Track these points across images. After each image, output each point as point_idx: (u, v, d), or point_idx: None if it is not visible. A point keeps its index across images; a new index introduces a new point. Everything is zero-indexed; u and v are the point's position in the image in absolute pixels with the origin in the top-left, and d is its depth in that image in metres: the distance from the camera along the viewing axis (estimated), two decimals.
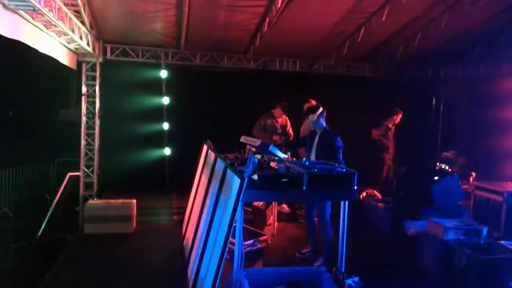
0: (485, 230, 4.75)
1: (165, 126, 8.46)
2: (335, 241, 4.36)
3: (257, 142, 4.63)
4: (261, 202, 6.65)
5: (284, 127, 7.39)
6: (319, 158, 4.86)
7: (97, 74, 7.16)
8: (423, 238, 5.01)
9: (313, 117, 5.10)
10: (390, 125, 8.05)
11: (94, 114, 7.17)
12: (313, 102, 6.71)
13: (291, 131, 7.47)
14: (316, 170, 3.84)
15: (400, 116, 8.09)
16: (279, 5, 5.47)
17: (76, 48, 6.40)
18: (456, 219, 4.95)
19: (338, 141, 4.94)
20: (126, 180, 7.94)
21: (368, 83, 8.85)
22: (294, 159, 4.80)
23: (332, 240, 4.87)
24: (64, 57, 6.17)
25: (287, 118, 7.48)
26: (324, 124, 5.15)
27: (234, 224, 3.28)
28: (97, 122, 7.19)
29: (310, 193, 3.79)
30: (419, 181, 5.70)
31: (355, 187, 3.84)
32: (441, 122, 9.78)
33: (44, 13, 4.22)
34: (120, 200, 6.49)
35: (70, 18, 5.16)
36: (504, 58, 7.56)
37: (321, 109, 5.13)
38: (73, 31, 5.37)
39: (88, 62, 7.10)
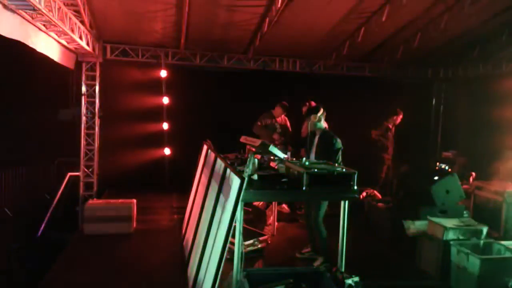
0: (485, 230, 4.75)
1: (165, 126, 8.47)
2: (335, 241, 4.36)
3: (257, 142, 4.63)
4: (261, 202, 6.64)
5: (283, 126, 7.39)
6: (319, 159, 4.85)
7: (97, 74, 7.16)
8: (423, 238, 5.00)
9: (314, 117, 5.10)
10: (390, 126, 8.05)
11: (94, 114, 7.17)
12: (313, 104, 6.73)
13: (290, 131, 7.47)
14: (316, 170, 3.84)
15: (400, 116, 8.09)
16: (279, 5, 5.47)
17: (76, 48, 6.40)
18: (456, 219, 4.95)
19: (337, 142, 4.93)
20: (126, 180, 7.94)
21: (368, 83, 8.85)
22: (294, 159, 4.80)
23: (326, 240, 4.86)
24: (64, 57, 6.18)
25: (286, 118, 7.48)
26: (324, 125, 5.15)
27: (234, 224, 3.28)
28: (97, 122, 7.19)
29: (310, 193, 3.79)
30: (419, 181, 5.70)
31: (355, 187, 3.84)
32: (441, 122, 9.79)
33: (44, 13, 4.22)
34: (120, 200, 6.49)
35: (70, 18, 5.16)
36: (504, 58, 7.55)
37: (322, 110, 5.13)
38: (73, 31, 5.37)
39: (88, 62, 7.10)
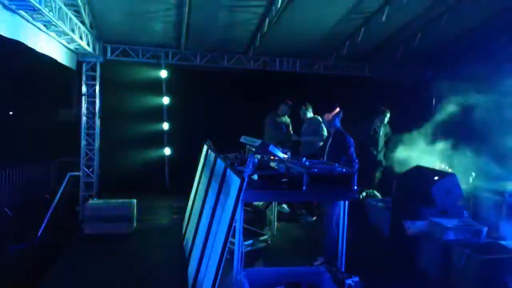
0: (485, 230, 4.75)
1: (165, 126, 8.47)
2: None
3: (257, 142, 4.64)
4: (261, 202, 6.64)
5: (287, 126, 7.42)
6: (330, 159, 4.86)
7: (97, 74, 7.16)
8: (423, 238, 5.00)
9: (328, 116, 5.11)
10: (376, 128, 7.93)
11: (94, 114, 7.17)
12: (308, 107, 6.80)
13: (292, 133, 7.50)
14: (316, 170, 3.84)
15: (388, 115, 7.94)
16: (279, 5, 5.47)
17: (76, 48, 6.40)
18: (456, 219, 4.95)
19: (348, 140, 4.94)
20: (126, 180, 7.94)
21: (368, 83, 8.84)
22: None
23: (335, 240, 4.86)
24: (64, 57, 6.18)
25: (287, 117, 7.51)
26: (339, 125, 5.15)
27: (234, 224, 3.28)
28: (97, 122, 7.19)
29: (310, 193, 3.79)
30: (419, 181, 5.70)
31: (355, 187, 3.84)
32: (441, 122, 9.77)
33: (44, 13, 4.23)
34: (120, 200, 6.49)
35: (70, 18, 5.16)
36: (504, 58, 7.54)
37: (337, 109, 5.13)
38: (73, 31, 5.37)
39: (88, 62, 7.10)
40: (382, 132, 7.91)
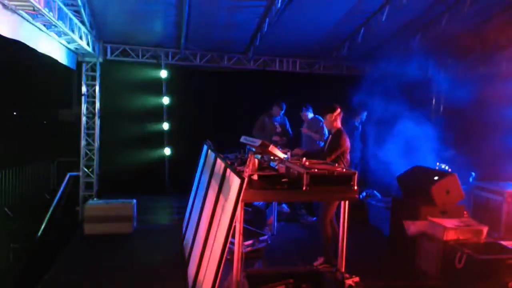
0: (485, 230, 4.75)
1: (165, 126, 8.47)
2: (335, 241, 4.36)
3: (257, 142, 4.63)
4: (261, 202, 6.64)
5: (283, 126, 7.40)
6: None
7: (97, 74, 7.17)
8: (423, 238, 5.00)
9: (330, 117, 5.13)
10: (356, 124, 7.88)
11: (94, 114, 7.17)
12: (308, 107, 6.79)
13: (290, 130, 7.48)
14: (316, 170, 3.84)
15: (364, 114, 7.86)
16: (279, 5, 5.47)
17: (76, 48, 6.41)
18: (456, 219, 4.95)
19: (342, 140, 4.95)
20: (126, 180, 7.94)
21: (368, 83, 8.83)
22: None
23: (330, 240, 4.86)
24: (64, 57, 6.19)
25: (285, 118, 7.49)
26: (339, 125, 5.17)
27: (234, 224, 3.28)
28: (97, 122, 7.19)
29: (310, 193, 3.79)
30: (419, 181, 5.70)
31: (355, 187, 3.84)
32: (441, 122, 9.78)
33: (44, 13, 4.23)
34: (120, 200, 6.49)
35: (70, 18, 5.17)
36: (504, 58, 7.55)
37: (338, 110, 5.16)
38: (73, 31, 5.38)
39: (88, 62, 7.11)
40: (360, 130, 7.90)
